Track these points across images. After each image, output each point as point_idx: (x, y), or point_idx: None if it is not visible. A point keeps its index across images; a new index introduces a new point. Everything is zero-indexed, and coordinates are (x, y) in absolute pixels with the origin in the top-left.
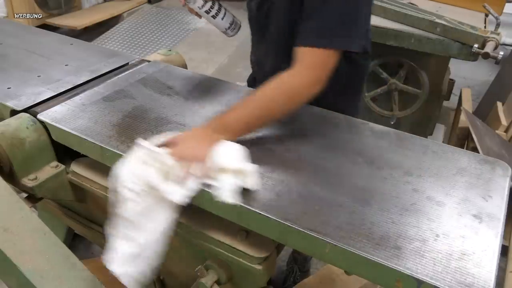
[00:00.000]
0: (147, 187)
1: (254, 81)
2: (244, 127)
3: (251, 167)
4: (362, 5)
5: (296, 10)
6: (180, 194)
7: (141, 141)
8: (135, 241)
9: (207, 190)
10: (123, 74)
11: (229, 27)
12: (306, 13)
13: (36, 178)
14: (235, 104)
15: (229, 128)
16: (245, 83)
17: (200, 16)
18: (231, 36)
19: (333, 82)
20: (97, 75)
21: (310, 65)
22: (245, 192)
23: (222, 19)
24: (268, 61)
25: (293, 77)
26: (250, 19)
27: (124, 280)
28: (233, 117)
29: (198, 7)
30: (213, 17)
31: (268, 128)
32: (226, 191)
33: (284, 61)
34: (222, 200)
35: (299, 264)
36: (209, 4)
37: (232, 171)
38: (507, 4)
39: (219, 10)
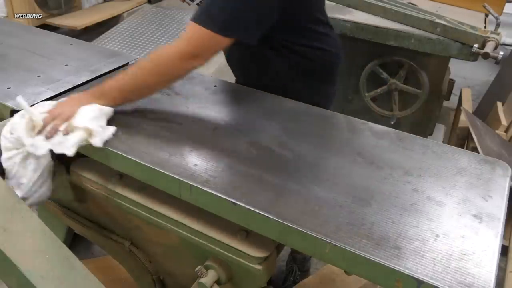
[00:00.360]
0: (19, 139)
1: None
2: (119, 96)
3: (98, 127)
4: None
5: None
6: (42, 147)
7: (19, 99)
8: (19, 183)
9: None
10: None
11: None
12: None
13: None
14: (121, 73)
15: (105, 95)
16: None
17: (189, 4)
18: None
19: (281, 70)
20: (97, 75)
21: (186, 38)
22: (244, 192)
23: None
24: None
25: (167, 48)
26: None
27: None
28: (110, 85)
29: None
30: (198, 4)
31: (268, 128)
32: (65, 145)
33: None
34: (57, 151)
35: (299, 264)
36: None
37: (81, 129)
38: (507, 4)
39: None
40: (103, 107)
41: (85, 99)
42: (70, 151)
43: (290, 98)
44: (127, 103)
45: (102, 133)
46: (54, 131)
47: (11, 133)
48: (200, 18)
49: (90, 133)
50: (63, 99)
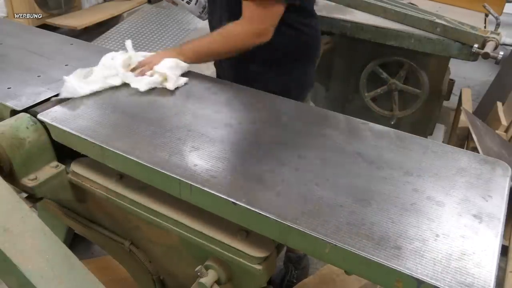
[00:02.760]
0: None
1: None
2: (194, 56)
3: (172, 75)
4: None
5: None
6: (129, 80)
7: (128, 42)
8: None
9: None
10: None
11: (202, 11)
12: None
13: (36, 178)
14: (196, 38)
15: (186, 54)
16: None
17: (176, 4)
18: (205, 19)
19: (281, 44)
20: None
21: (250, 19)
22: (244, 192)
23: (196, 3)
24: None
25: (235, 28)
26: None
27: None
28: (190, 47)
29: None
30: (188, 2)
31: (268, 127)
32: (143, 83)
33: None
34: (135, 86)
35: (294, 263)
36: None
37: (158, 73)
38: (507, 4)
39: None
40: (180, 61)
41: (168, 55)
42: (142, 88)
43: (282, 76)
44: (199, 63)
45: (176, 80)
46: (142, 74)
47: (111, 59)
48: None
49: (165, 78)
50: (149, 54)
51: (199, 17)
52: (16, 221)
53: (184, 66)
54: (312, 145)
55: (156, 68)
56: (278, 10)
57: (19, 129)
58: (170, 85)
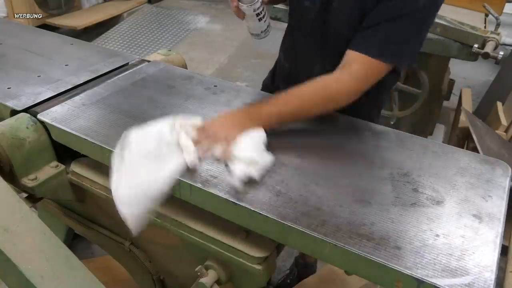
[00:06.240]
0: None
1: (272, 82)
2: (276, 121)
3: (262, 160)
4: (424, 30)
5: (358, 18)
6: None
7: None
8: (139, 180)
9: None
10: (123, 74)
11: (265, 29)
12: (371, 22)
13: (36, 178)
14: (273, 97)
15: (263, 119)
16: (245, 83)
17: (243, 18)
18: (263, 38)
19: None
20: (97, 75)
21: (356, 74)
22: (244, 192)
23: (265, 21)
24: (315, 68)
25: (336, 83)
26: (299, 23)
27: (128, 219)
28: (269, 110)
29: (254, 9)
30: (260, 19)
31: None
32: (235, 177)
33: (333, 68)
34: (232, 184)
35: (300, 269)
36: (261, 6)
37: (246, 160)
38: (507, 4)
39: (264, 11)
40: (262, 134)
41: (243, 123)
42: (238, 184)
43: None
44: (276, 127)
45: (262, 166)
46: (208, 151)
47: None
48: (373, 50)
49: (253, 165)
50: (208, 120)
51: (258, 35)
52: (16, 221)
53: (265, 138)
54: (312, 145)
55: (237, 153)
56: (383, 73)
57: (19, 129)
58: (256, 174)
